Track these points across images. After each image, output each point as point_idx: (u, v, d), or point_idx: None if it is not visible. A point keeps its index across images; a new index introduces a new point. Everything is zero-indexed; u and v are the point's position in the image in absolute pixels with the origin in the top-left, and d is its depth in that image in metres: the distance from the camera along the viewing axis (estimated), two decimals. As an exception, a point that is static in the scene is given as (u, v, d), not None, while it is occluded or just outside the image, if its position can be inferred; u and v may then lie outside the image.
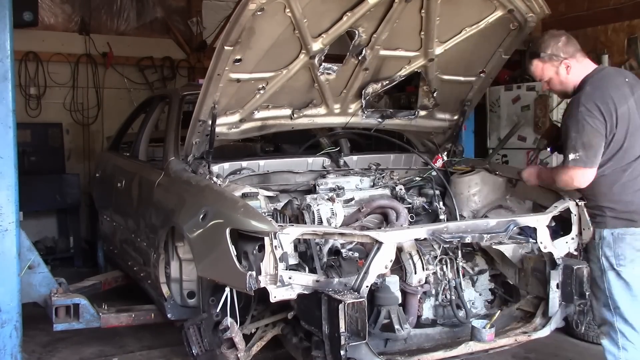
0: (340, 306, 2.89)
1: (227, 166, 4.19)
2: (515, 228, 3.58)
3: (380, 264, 3.16)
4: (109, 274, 5.60)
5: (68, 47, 7.87)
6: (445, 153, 4.66)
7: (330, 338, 2.99)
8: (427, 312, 3.65)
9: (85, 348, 4.64)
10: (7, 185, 3.54)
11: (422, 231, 3.39)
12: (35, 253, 4.24)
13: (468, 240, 3.46)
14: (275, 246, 2.97)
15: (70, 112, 7.95)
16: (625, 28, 6.52)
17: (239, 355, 3.30)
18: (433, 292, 3.63)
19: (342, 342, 2.92)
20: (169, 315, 4.07)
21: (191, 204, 3.60)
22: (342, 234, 3.26)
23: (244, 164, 4.27)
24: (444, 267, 3.66)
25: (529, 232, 3.75)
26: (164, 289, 4.05)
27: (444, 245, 3.50)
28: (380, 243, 3.18)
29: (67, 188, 7.19)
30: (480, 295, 3.87)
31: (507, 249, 3.78)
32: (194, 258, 3.51)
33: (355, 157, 4.63)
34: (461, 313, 3.65)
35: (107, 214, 5.58)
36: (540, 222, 3.65)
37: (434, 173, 4.48)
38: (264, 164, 4.32)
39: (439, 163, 4.61)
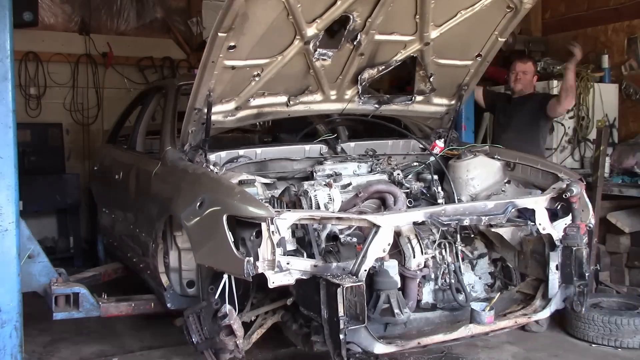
0: (339, 290, 2.90)
1: (223, 155, 4.16)
2: (513, 210, 3.56)
3: (379, 247, 3.16)
4: (109, 266, 5.57)
5: (68, 47, 7.85)
6: (442, 140, 4.64)
7: (329, 322, 2.99)
8: (427, 297, 3.65)
9: (85, 348, 4.63)
10: (7, 185, 3.54)
11: (420, 214, 3.38)
12: (35, 242, 4.22)
13: (466, 222, 3.45)
14: (273, 231, 2.98)
15: (70, 112, 7.94)
16: (625, 28, 6.52)
17: (237, 342, 3.30)
18: (432, 276, 3.63)
19: (341, 326, 2.92)
20: (168, 305, 4.06)
21: (188, 193, 3.60)
22: (339, 218, 3.26)
23: (241, 152, 4.24)
24: (443, 251, 3.65)
25: (527, 215, 3.75)
26: (163, 279, 4.04)
27: (442, 229, 3.48)
28: (378, 227, 3.18)
29: (67, 188, 7.19)
30: (480, 279, 3.87)
31: (506, 232, 3.77)
32: (192, 246, 3.51)
33: (352, 144, 4.60)
34: (461, 297, 3.64)
35: (106, 207, 5.57)
36: (539, 203, 3.64)
37: (432, 159, 4.46)
38: (260, 152, 4.29)
39: (435, 150, 4.59)
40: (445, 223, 3.36)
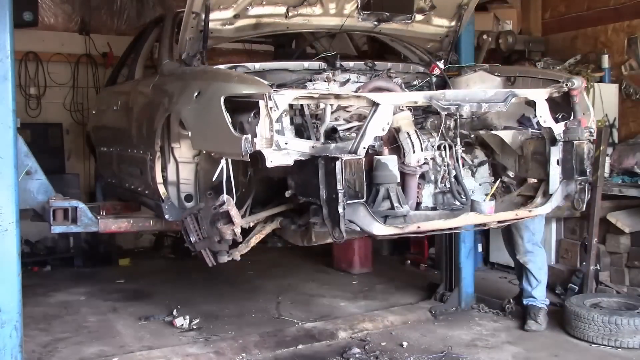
0: (337, 163, 2.89)
1: (222, 67, 4.09)
2: (514, 100, 3.52)
3: (377, 125, 3.12)
4: (108, 202, 5.49)
5: (68, 47, 7.85)
6: (442, 61, 4.58)
7: (328, 201, 2.98)
8: (427, 200, 3.62)
9: (85, 348, 4.63)
10: (7, 185, 3.53)
11: (419, 95, 3.36)
12: (33, 159, 4.14)
13: (466, 109, 3.40)
14: (271, 107, 2.94)
15: (70, 112, 7.93)
16: (625, 28, 6.53)
17: (235, 230, 3.30)
18: (432, 178, 3.61)
19: (340, 199, 2.90)
20: (166, 217, 4.02)
21: (187, 88, 3.59)
22: (337, 97, 3.22)
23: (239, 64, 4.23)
24: (443, 153, 3.60)
25: (528, 124, 3.78)
26: (161, 190, 4.01)
27: (443, 113, 3.41)
28: (377, 104, 3.14)
29: (67, 188, 7.15)
30: (479, 185, 3.85)
31: (507, 135, 3.75)
32: (190, 135, 3.49)
33: (352, 63, 4.51)
34: (462, 198, 3.61)
35: (104, 144, 5.49)
36: (540, 95, 3.61)
37: (434, 78, 4.44)
38: (259, 65, 4.24)
39: (436, 71, 4.54)
40: (444, 107, 3.31)
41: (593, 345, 4.49)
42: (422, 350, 4.51)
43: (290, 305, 5.69)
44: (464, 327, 4.98)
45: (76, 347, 4.67)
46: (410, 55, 4.81)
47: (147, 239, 8.62)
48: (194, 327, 5.04)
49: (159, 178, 4.01)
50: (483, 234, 6.92)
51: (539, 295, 4.89)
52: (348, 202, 2.94)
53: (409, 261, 7.31)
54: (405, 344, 4.61)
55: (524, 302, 4.94)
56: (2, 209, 3.52)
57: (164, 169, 4.02)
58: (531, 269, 4.90)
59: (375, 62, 4.42)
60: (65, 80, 7.89)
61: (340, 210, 2.93)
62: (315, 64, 4.30)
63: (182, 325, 5.03)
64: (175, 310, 5.35)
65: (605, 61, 6.52)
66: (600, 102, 6.24)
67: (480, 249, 6.82)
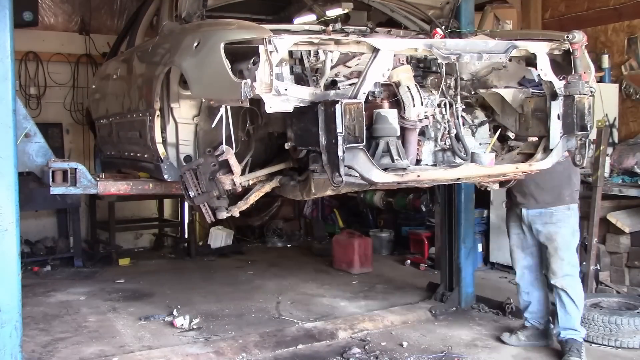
0: (337, 107, 2.88)
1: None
2: (515, 51, 3.50)
3: (378, 71, 3.11)
4: (108, 174, 5.46)
5: (68, 47, 7.87)
6: (443, 27, 4.53)
7: (327, 147, 2.97)
8: (427, 158, 3.61)
9: (85, 348, 4.64)
10: (7, 185, 3.53)
11: (420, 43, 3.32)
12: (32, 122, 4.08)
13: (466, 59, 3.37)
14: (271, 52, 2.92)
15: (70, 112, 7.94)
16: (625, 28, 6.53)
17: (234, 180, 3.29)
18: (432, 135, 3.59)
19: (340, 142, 2.89)
20: (165, 177, 4.01)
21: (186, 40, 3.58)
22: (337, 42, 3.19)
23: None
24: (443, 110, 3.58)
25: (528, 85, 3.77)
26: (160, 149, 3.99)
27: (443, 62, 3.37)
28: (378, 50, 3.12)
29: (67, 188, 7.18)
30: (480, 145, 3.82)
31: (508, 94, 3.74)
32: (190, 85, 3.48)
33: (352, 27, 4.47)
34: (462, 154, 3.60)
35: (103, 116, 5.44)
36: (540, 48, 3.59)
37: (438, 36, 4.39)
38: None
39: (436, 37, 4.51)
40: (444, 55, 3.27)
41: (593, 345, 4.48)
42: (422, 350, 4.51)
43: (290, 305, 5.69)
44: (464, 327, 4.98)
45: (76, 347, 4.67)
46: (411, 26, 4.77)
47: (147, 239, 8.63)
48: (194, 327, 5.04)
49: (158, 138, 3.98)
50: (483, 234, 6.93)
51: (579, 327, 4.30)
52: (347, 146, 2.93)
53: (409, 261, 7.31)
54: (405, 343, 4.61)
55: (561, 336, 4.30)
56: (2, 209, 3.52)
57: (163, 130, 3.99)
58: (572, 295, 4.25)
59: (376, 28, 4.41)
60: (65, 80, 7.91)
61: (340, 153, 2.91)
62: (316, 27, 4.27)
63: (182, 325, 5.03)
64: (175, 310, 5.36)
65: (605, 61, 6.52)
66: (600, 102, 6.24)
67: (480, 249, 6.83)
